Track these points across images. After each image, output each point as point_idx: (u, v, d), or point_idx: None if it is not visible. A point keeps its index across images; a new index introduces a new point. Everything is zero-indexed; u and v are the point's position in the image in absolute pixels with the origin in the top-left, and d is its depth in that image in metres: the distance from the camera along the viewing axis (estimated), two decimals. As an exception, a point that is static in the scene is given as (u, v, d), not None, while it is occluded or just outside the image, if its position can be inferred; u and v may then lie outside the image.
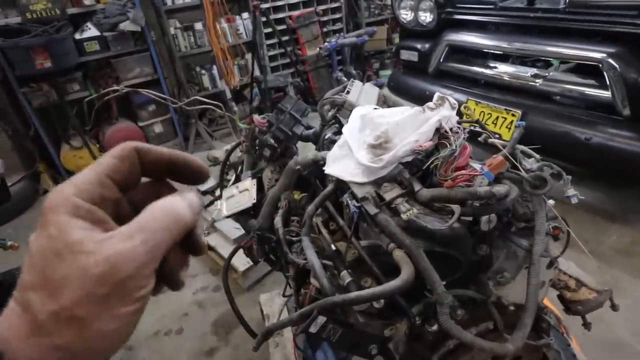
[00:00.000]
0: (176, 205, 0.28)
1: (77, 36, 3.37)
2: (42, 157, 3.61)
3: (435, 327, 0.83)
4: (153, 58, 3.72)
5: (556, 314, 1.21)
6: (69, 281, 0.24)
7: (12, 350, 0.23)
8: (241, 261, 2.15)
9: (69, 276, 0.24)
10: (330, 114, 1.22)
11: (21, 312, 0.24)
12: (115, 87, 3.57)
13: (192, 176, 0.33)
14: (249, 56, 4.19)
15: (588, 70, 2.08)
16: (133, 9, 3.44)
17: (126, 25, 3.42)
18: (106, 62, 3.64)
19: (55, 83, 3.38)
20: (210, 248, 2.47)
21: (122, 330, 0.25)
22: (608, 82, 1.95)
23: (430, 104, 0.89)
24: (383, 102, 1.19)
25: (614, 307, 1.04)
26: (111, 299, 0.24)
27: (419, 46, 2.79)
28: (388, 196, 0.83)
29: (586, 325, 1.06)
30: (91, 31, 3.42)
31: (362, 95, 1.19)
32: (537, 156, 0.99)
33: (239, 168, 1.69)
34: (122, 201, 0.31)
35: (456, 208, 0.77)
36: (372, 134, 0.87)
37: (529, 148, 1.01)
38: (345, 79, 4.62)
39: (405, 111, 0.89)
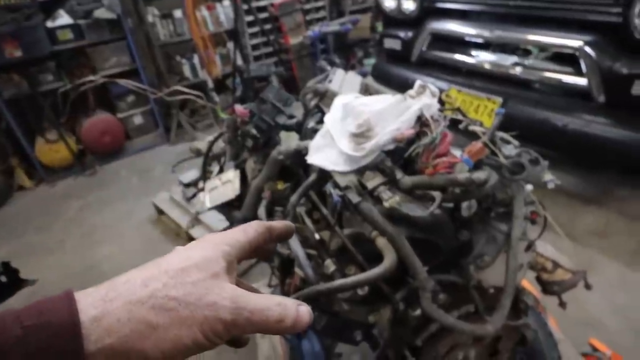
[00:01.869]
0: (288, 317, 0.31)
1: (49, 24, 3.22)
2: (15, 151, 3.47)
3: (418, 312, 0.85)
4: (130, 47, 3.59)
5: (534, 294, 1.26)
6: (195, 287, 0.28)
7: (110, 312, 0.25)
8: (227, 253, 2.14)
9: (200, 286, 0.28)
10: (312, 102, 1.21)
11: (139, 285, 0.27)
12: (91, 78, 3.47)
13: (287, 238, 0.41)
14: (230, 45, 4.10)
15: (566, 58, 2.12)
16: (108, -4, 3.31)
17: (101, 13, 3.29)
18: (81, 52, 3.50)
19: (27, 73, 3.23)
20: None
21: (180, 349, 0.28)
22: (584, 70, 2.00)
23: (411, 92, 0.89)
24: (365, 91, 1.19)
25: (587, 287, 1.09)
26: (200, 326, 0.27)
27: (402, 35, 2.79)
28: (370, 184, 0.83)
29: (562, 304, 1.10)
30: (64, 19, 3.28)
31: (345, 84, 1.18)
32: (516, 142, 1.01)
33: (222, 159, 1.67)
34: None
35: (437, 195, 0.79)
36: (353, 123, 0.87)
37: (508, 135, 1.03)
38: (329, 68, 4.59)
39: (386, 99, 0.89)
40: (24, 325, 0.23)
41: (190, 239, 2.47)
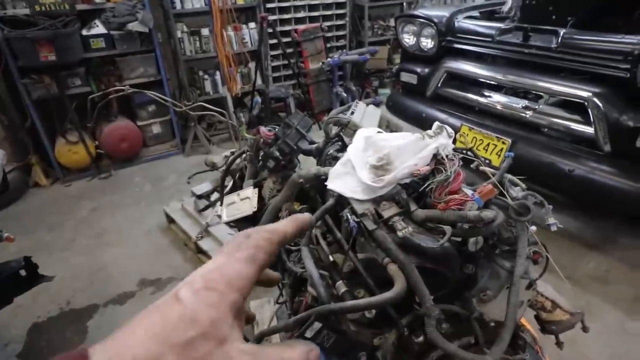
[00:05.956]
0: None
1: (84, 32, 3.41)
2: (36, 149, 3.59)
3: (421, 338, 0.89)
4: (158, 59, 3.77)
5: (532, 333, 1.29)
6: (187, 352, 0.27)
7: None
8: (233, 266, 2.18)
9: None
10: (334, 131, 1.29)
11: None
12: (121, 87, 3.63)
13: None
14: (252, 65, 4.27)
15: (574, 106, 2.21)
16: (142, 10, 3.50)
17: (134, 26, 3.48)
18: (110, 60, 3.68)
19: (57, 76, 3.40)
20: (203, 252, 2.50)
21: None
22: (592, 119, 2.08)
23: (429, 131, 0.97)
24: (386, 127, 1.27)
25: (585, 329, 1.12)
26: None
27: (418, 70, 2.91)
28: (386, 214, 0.90)
29: (559, 344, 1.14)
30: (98, 28, 3.47)
31: (366, 117, 1.27)
32: (523, 185, 1.08)
33: (237, 175, 1.75)
34: None
35: (447, 229, 0.85)
36: (374, 156, 0.95)
37: (517, 178, 1.10)
38: (345, 94, 4.73)
39: (406, 137, 0.96)
40: None
41: (199, 249, 2.52)
